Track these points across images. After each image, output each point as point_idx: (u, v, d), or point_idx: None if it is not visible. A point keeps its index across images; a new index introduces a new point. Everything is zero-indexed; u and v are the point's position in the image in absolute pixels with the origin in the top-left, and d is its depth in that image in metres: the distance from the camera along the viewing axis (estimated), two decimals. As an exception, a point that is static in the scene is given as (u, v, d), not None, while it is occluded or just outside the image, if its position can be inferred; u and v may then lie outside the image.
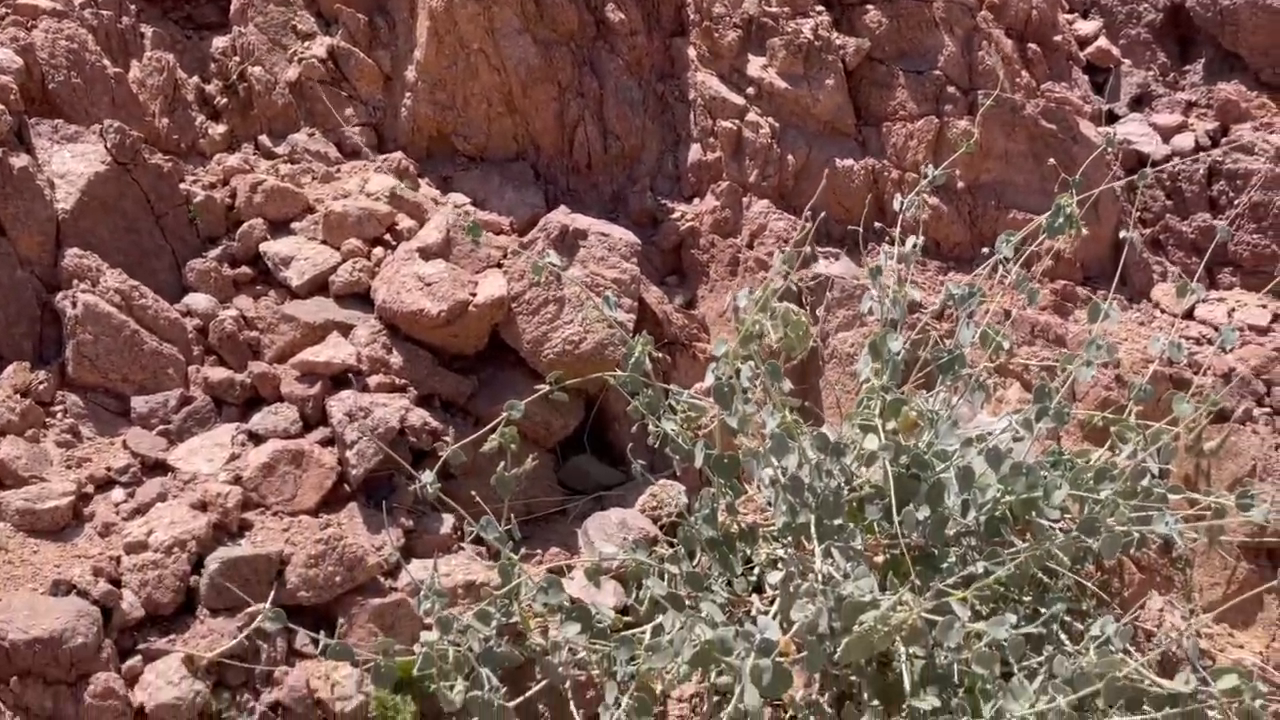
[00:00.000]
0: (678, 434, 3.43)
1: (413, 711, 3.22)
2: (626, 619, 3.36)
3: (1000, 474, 3.27)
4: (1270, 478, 4.12)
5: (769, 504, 3.55)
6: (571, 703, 3.26)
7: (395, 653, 3.01)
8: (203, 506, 3.41)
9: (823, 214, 4.03)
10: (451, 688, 3.00)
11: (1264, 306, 4.78)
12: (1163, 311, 4.84)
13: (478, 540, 3.65)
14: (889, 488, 3.08)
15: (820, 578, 3.02)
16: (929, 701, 2.84)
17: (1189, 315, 4.83)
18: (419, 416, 3.82)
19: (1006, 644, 2.78)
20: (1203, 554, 4.08)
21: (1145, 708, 2.81)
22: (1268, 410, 4.35)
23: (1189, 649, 3.36)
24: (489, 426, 3.24)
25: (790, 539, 3.42)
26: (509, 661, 3.20)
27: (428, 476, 3.10)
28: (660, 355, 4.23)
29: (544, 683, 3.25)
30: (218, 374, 3.88)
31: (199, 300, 4.07)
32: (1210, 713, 2.80)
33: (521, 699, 3.17)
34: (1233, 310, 4.79)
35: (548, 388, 3.28)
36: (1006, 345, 3.62)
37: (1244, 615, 4.02)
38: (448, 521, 3.72)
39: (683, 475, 3.95)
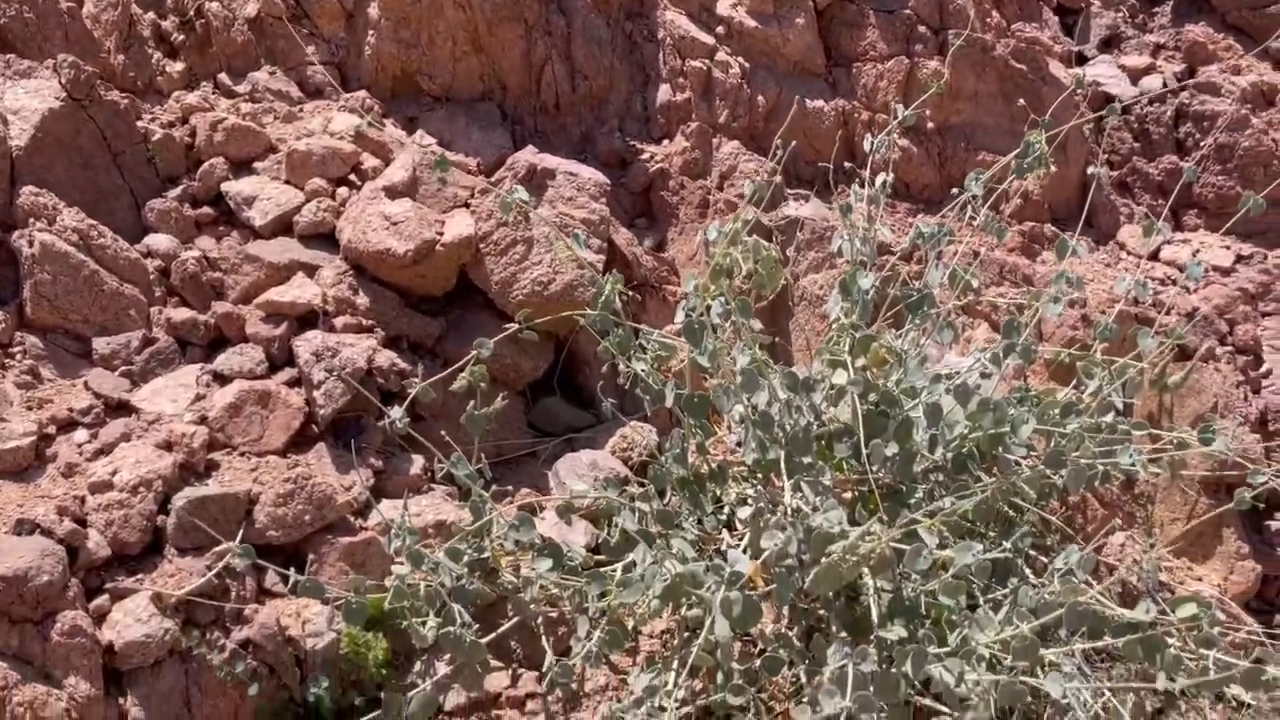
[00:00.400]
0: (648, 374, 3.43)
1: (384, 648, 3.23)
2: (598, 557, 3.37)
3: (968, 410, 3.30)
4: (1231, 414, 4.19)
5: (738, 444, 3.57)
6: (543, 638, 3.28)
7: (366, 590, 3.01)
8: (168, 446, 3.37)
9: (794, 143, 4.01)
10: (423, 623, 3.01)
11: (1227, 248, 4.83)
12: (1129, 253, 4.88)
13: (448, 481, 3.65)
14: (858, 425, 3.10)
15: (789, 511, 3.04)
16: (896, 632, 2.88)
17: (1154, 257, 4.87)
18: (386, 358, 3.79)
19: (973, 569, 2.81)
20: (1164, 489, 4.15)
21: (1106, 637, 2.86)
22: (1230, 349, 4.41)
23: (1148, 573, 3.42)
24: (458, 365, 3.22)
25: (760, 475, 3.44)
26: (481, 598, 3.21)
27: (397, 412, 3.08)
28: (630, 294, 4.21)
29: (516, 619, 3.26)
30: (181, 314, 3.82)
31: (160, 241, 4.00)
32: (1169, 640, 2.86)
33: (493, 635, 3.19)
34: (1197, 251, 4.84)
35: (516, 328, 3.26)
36: (975, 283, 3.63)
37: (1203, 549, 4.11)
38: (417, 462, 3.71)
39: (653, 417, 3.95)
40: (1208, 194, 5.06)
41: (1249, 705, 3.43)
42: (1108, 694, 2.84)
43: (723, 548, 3.39)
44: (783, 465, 3.17)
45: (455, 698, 3.21)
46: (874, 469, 3.16)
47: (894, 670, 2.71)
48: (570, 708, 3.25)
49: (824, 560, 2.76)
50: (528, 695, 3.27)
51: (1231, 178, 5.01)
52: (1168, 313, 4.34)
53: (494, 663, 3.31)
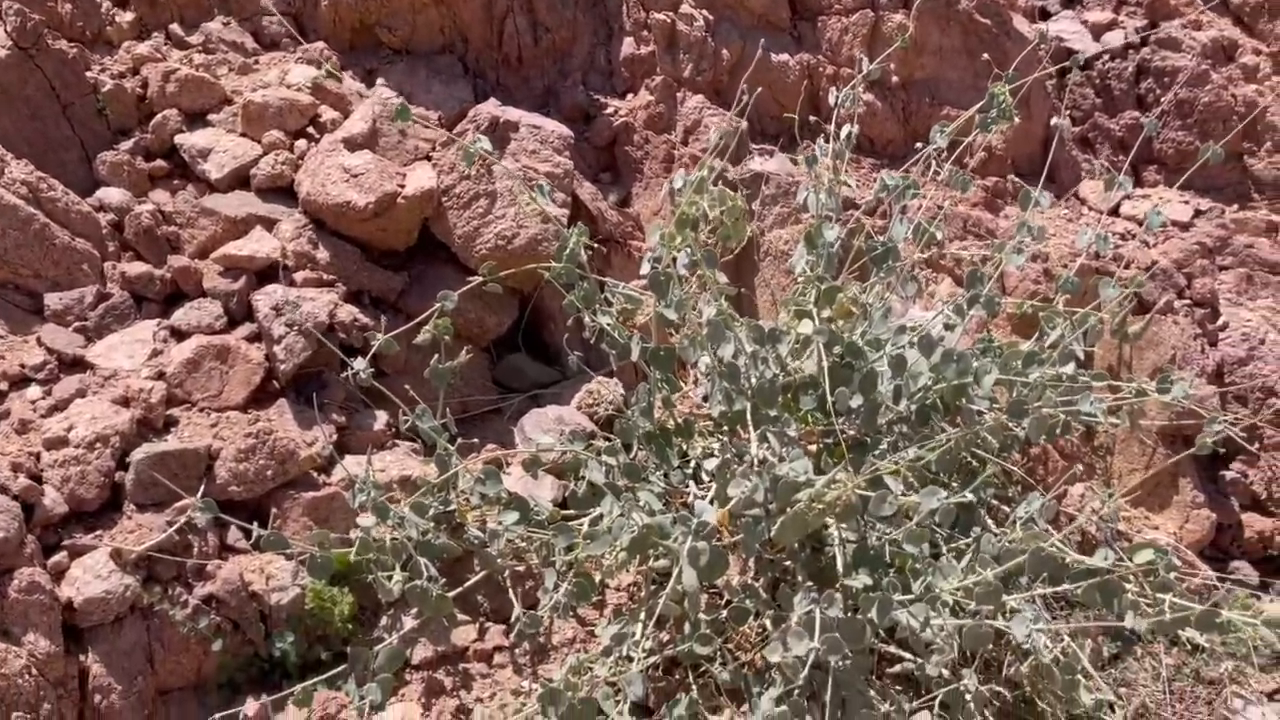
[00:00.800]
0: (613, 328, 3.41)
1: (350, 603, 3.20)
2: (564, 511, 3.37)
3: (932, 362, 3.31)
4: (1188, 366, 4.25)
5: (704, 399, 3.57)
6: (510, 591, 3.27)
7: (331, 545, 2.98)
8: (125, 402, 3.31)
9: (759, 89, 3.98)
10: (389, 577, 2.99)
11: (1186, 203, 4.88)
12: (1089, 208, 4.91)
13: (413, 436, 3.62)
14: (823, 376, 3.10)
15: (755, 462, 3.04)
16: (861, 580, 2.90)
17: (1114, 212, 4.91)
18: (348, 312, 3.73)
19: (937, 515, 2.84)
20: (1123, 441, 4.21)
21: (1065, 583, 2.90)
22: (1188, 302, 4.47)
23: (1107, 521, 3.48)
24: (422, 317, 3.19)
25: (726, 428, 3.44)
26: (447, 552, 3.20)
27: (360, 363, 3.04)
28: (595, 246, 4.18)
29: (482, 573, 3.25)
30: (136, 269, 3.74)
31: (112, 194, 3.90)
32: (1127, 585, 2.90)
33: (460, 589, 3.18)
34: (1156, 206, 4.88)
35: (480, 280, 3.22)
36: (939, 237, 3.64)
37: (1160, 499, 4.18)
38: (381, 418, 3.67)
39: (619, 372, 3.94)
40: (1168, 149, 5.10)
41: (1203, 649, 3.51)
42: (1066, 638, 2.89)
43: (689, 500, 3.39)
44: (749, 417, 3.17)
45: (422, 651, 3.20)
46: (839, 420, 3.17)
47: (859, 617, 2.74)
48: (538, 660, 3.26)
49: (790, 509, 2.78)
50: (495, 648, 3.27)
51: (1191, 133, 5.05)
52: (1127, 266, 4.38)
53: (461, 616, 3.30)
